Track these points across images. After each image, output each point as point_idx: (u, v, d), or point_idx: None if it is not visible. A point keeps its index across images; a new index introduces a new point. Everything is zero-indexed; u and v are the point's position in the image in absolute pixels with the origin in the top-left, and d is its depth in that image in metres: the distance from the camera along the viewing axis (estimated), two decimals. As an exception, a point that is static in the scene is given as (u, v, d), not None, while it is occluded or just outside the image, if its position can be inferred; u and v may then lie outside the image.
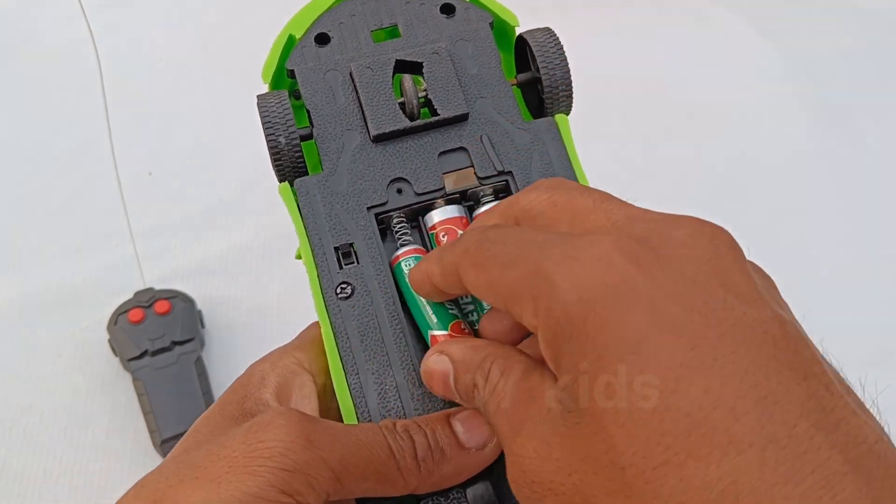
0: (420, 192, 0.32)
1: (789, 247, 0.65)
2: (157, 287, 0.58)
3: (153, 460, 0.54)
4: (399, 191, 0.32)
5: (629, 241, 0.21)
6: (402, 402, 0.28)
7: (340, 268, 0.30)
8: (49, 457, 0.55)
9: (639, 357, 0.19)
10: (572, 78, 0.34)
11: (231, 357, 0.59)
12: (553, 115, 0.33)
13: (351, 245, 0.31)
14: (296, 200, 0.32)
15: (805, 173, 0.69)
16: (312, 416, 0.26)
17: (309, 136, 0.33)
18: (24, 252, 0.62)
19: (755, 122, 0.72)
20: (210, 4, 0.76)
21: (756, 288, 0.20)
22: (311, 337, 0.31)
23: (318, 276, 0.30)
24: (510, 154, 0.32)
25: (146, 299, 0.57)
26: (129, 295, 0.58)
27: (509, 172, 0.32)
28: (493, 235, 0.24)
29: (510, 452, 0.23)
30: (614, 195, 0.24)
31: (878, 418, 0.21)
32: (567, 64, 0.33)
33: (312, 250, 0.31)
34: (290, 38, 0.34)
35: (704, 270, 0.20)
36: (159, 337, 0.55)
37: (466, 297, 0.30)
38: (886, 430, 0.21)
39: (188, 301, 0.57)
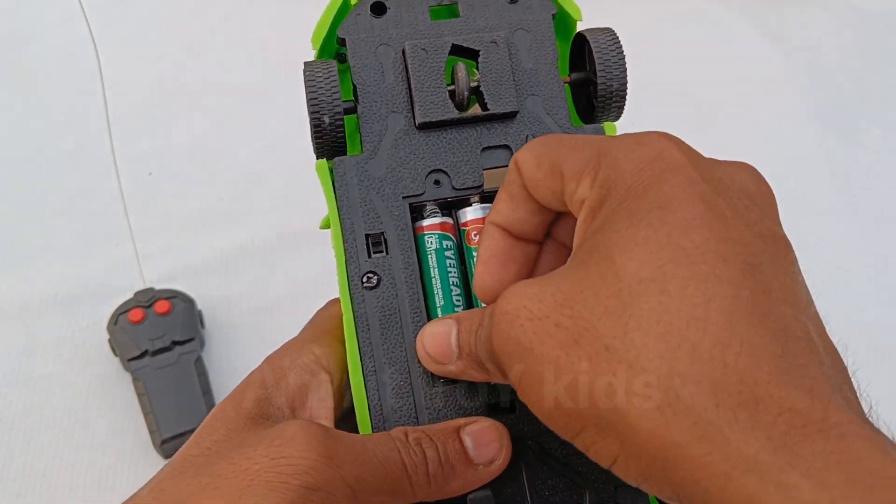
0: (458, 186, 0.31)
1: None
2: (158, 287, 0.58)
3: (153, 460, 0.54)
4: (437, 182, 0.31)
5: (680, 143, 0.24)
6: (414, 401, 0.28)
7: (369, 256, 0.30)
8: (49, 456, 0.55)
9: (664, 212, 0.22)
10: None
11: (231, 357, 0.59)
12: (601, 122, 0.33)
13: (382, 234, 0.30)
14: (332, 180, 0.31)
15: (805, 173, 0.69)
16: (334, 432, 0.26)
17: (352, 110, 0.31)
18: (24, 252, 0.62)
19: (755, 122, 0.72)
20: (210, 4, 0.76)
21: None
22: (326, 325, 0.31)
23: (345, 263, 0.30)
24: None
25: (146, 299, 0.57)
26: (129, 295, 0.58)
27: None
28: (559, 135, 0.26)
29: (510, 308, 0.23)
30: None
31: (877, 421, 0.22)
32: (625, 71, 0.32)
33: (343, 235, 0.30)
34: (346, 3, 0.32)
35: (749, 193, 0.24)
36: (159, 337, 0.55)
37: None
38: (886, 431, 0.21)
39: (188, 301, 0.57)
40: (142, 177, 0.66)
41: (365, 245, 0.30)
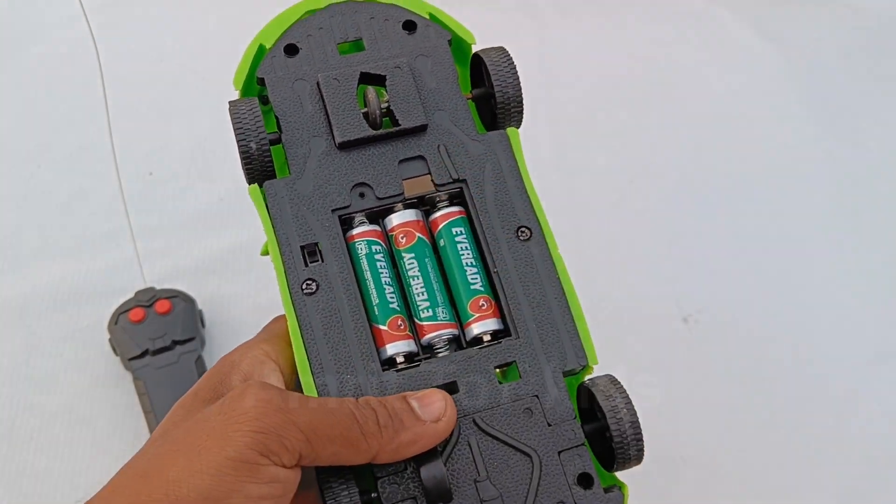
0: (381, 196, 0.34)
1: (789, 247, 0.65)
2: (158, 286, 0.58)
3: (154, 460, 0.54)
4: (361, 195, 0.34)
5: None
6: (361, 388, 0.31)
7: (306, 265, 0.33)
8: (49, 456, 0.55)
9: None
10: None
11: (231, 357, 0.59)
12: (505, 129, 0.35)
13: (316, 244, 0.33)
14: (265, 201, 0.34)
15: (805, 173, 0.69)
16: (284, 389, 0.28)
17: (277, 141, 0.35)
18: (24, 251, 0.62)
19: (755, 123, 0.72)
20: (210, 4, 0.76)
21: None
22: (276, 330, 0.33)
23: (284, 273, 0.33)
24: (465, 163, 0.34)
25: (147, 299, 0.57)
26: (129, 294, 0.58)
27: (463, 180, 0.34)
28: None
29: None
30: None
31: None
32: (519, 81, 0.35)
33: (280, 248, 0.33)
34: (261, 48, 0.37)
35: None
36: (160, 336, 0.56)
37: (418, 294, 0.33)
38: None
39: (189, 300, 0.57)
40: (142, 176, 0.66)
41: (301, 256, 0.33)
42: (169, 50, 0.73)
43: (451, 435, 0.31)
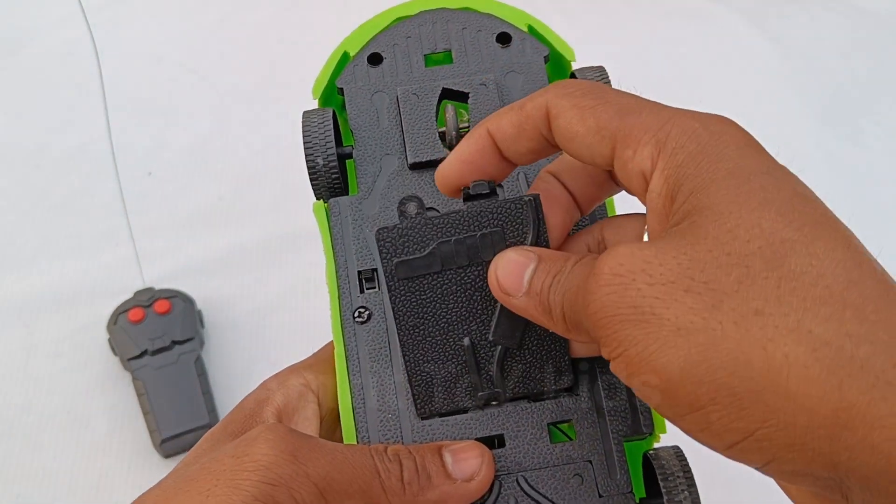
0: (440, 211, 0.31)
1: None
2: (157, 287, 0.58)
3: (153, 460, 0.54)
4: (418, 211, 0.32)
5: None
6: (401, 429, 0.29)
7: (361, 292, 0.31)
8: (48, 456, 0.55)
9: (772, 178, 0.22)
10: None
11: (231, 357, 0.59)
12: None
13: (374, 270, 0.31)
14: (328, 220, 0.32)
15: (805, 173, 0.68)
16: (301, 433, 0.26)
17: (351, 156, 0.33)
18: (23, 251, 0.62)
19: (756, 123, 0.72)
20: (210, 4, 0.76)
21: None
22: (324, 356, 0.32)
23: (338, 298, 0.31)
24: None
25: (146, 299, 0.57)
26: (128, 294, 0.58)
27: (537, 195, 0.30)
28: (603, 86, 0.25)
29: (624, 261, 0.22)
30: None
31: None
32: None
33: (337, 272, 0.31)
34: (345, 55, 0.34)
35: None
36: (159, 336, 0.55)
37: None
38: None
39: (188, 300, 0.57)
40: (142, 176, 0.66)
41: (357, 281, 0.31)
42: (168, 49, 0.73)
43: (492, 491, 0.28)
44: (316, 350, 0.33)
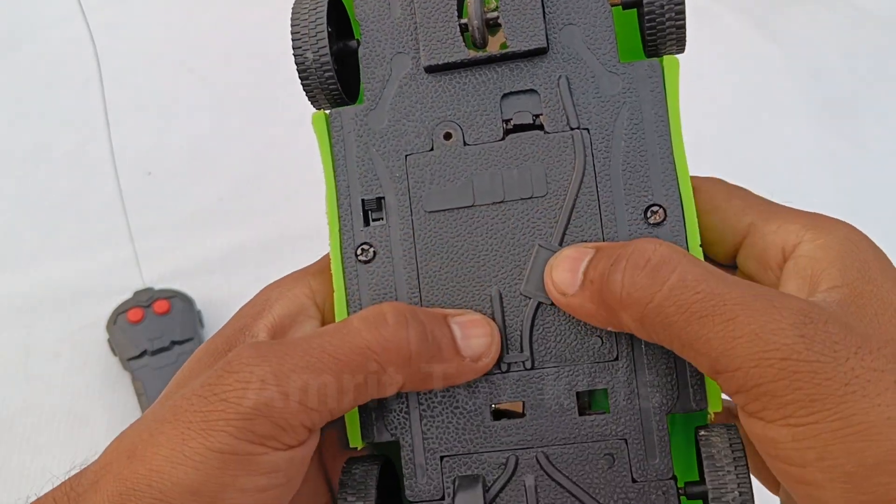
0: (470, 142, 0.26)
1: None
2: (157, 287, 0.58)
3: (152, 460, 0.54)
4: (447, 136, 0.26)
5: None
6: (407, 398, 0.26)
7: (366, 224, 0.26)
8: (48, 456, 0.54)
9: None
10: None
11: (230, 357, 0.58)
12: (660, 57, 0.26)
13: (381, 199, 0.26)
14: (329, 135, 0.27)
15: (807, 174, 0.69)
16: (284, 344, 0.24)
17: (356, 53, 0.27)
18: (23, 251, 0.62)
19: (756, 122, 0.72)
20: (210, 4, 0.75)
21: None
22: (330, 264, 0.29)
23: (339, 232, 0.27)
24: (592, 104, 0.25)
25: (145, 299, 0.57)
26: (128, 294, 0.58)
27: (585, 129, 0.25)
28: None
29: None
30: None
31: None
32: None
33: (338, 199, 0.27)
34: None
35: None
36: (158, 337, 0.55)
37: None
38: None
39: (187, 301, 0.57)
40: (141, 176, 0.66)
41: (361, 212, 0.26)
42: (168, 49, 0.73)
43: (507, 467, 0.25)
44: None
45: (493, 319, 0.25)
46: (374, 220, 0.26)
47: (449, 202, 0.26)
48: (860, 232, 0.24)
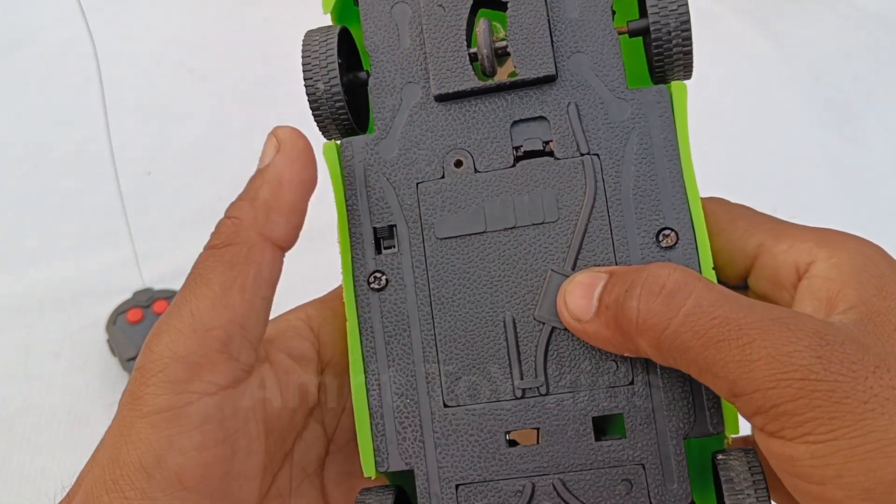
0: (481, 169, 0.26)
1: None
2: (156, 287, 0.58)
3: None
4: (458, 163, 0.26)
5: None
6: (420, 418, 0.26)
7: (378, 252, 0.26)
8: (47, 456, 0.54)
9: None
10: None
11: (230, 357, 0.58)
12: (668, 83, 0.26)
13: (392, 227, 0.27)
14: (340, 165, 0.27)
15: (806, 174, 0.69)
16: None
17: (367, 84, 0.27)
18: (22, 252, 0.62)
19: (757, 122, 0.72)
20: (210, 4, 0.75)
21: None
22: (332, 295, 0.29)
23: (350, 261, 0.27)
24: (601, 130, 0.25)
25: (145, 299, 0.57)
26: (127, 295, 0.58)
27: (595, 154, 0.25)
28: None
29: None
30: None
31: None
32: (687, 9, 0.25)
33: (349, 228, 0.27)
34: None
35: None
36: (158, 337, 0.55)
37: None
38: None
39: (187, 301, 0.57)
40: (141, 176, 0.66)
41: (372, 240, 0.27)
42: (167, 49, 0.73)
43: (523, 494, 0.25)
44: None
45: (507, 345, 0.26)
46: (385, 248, 0.27)
47: (461, 229, 0.26)
48: (873, 245, 0.24)
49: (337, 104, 0.27)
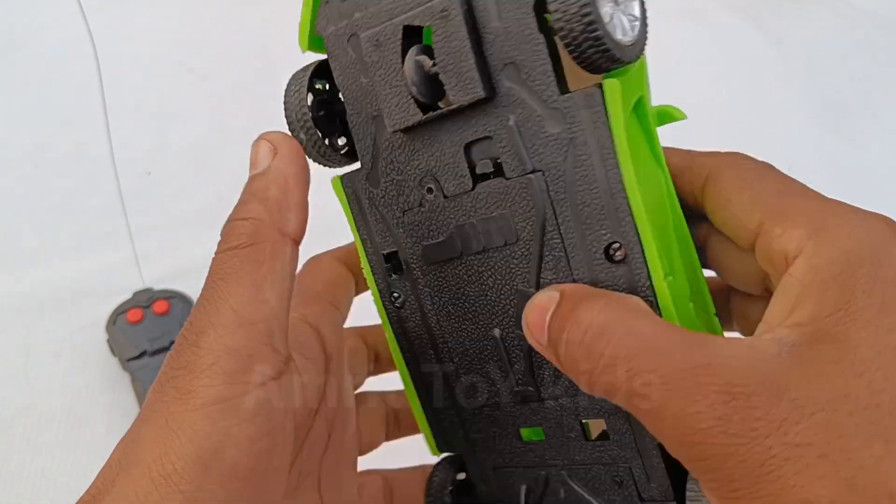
0: (448, 194, 0.26)
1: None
2: (156, 287, 0.58)
3: (152, 460, 0.54)
4: (429, 190, 0.26)
5: None
6: (457, 409, 0.29)
7: (391, 275, 0.28)
8: (47, 457, 0.54)
9: None
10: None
11: (230, 357, 0.58)
12: (600, 81, 0.23)
13: (395, 253, 0.28)
14: (346, 196, 0.28)
15: (804, 173, 0.69)
16: None
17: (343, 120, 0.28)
18: (22, 251, 0.62)
19: (754, 122, 0.72)
20: (210, 4, 0.75)
21: None
22: (309, 291, 0.31)
23: (374, 282, 0.29)
24: (541, 145, 0.24)
25: (145, 299, 0.57)
26: (127, 295, 0.58)
27: (540, 171, 0.24)
28: (772, 167, 0.25)
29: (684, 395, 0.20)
30: None
31: None
32: (591, 9, 0.22)
33: (366, 254, 0.28)
34: None
35: None
36: (158, 337, 0.55)
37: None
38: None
39: (187, 301, 0.57)
40: (140, 176, 0.66)
41: (385, 264, 0.28)
42: (167, 49, 0.73)
43: (538, 482, 0.28)
44: None
45: (501, 357, 0.27)
46: (395, 273, 0.28)
47: (442, 254, 0.27)
48: (876, 231, 0.23)
49: (321, 148, 0.27)
